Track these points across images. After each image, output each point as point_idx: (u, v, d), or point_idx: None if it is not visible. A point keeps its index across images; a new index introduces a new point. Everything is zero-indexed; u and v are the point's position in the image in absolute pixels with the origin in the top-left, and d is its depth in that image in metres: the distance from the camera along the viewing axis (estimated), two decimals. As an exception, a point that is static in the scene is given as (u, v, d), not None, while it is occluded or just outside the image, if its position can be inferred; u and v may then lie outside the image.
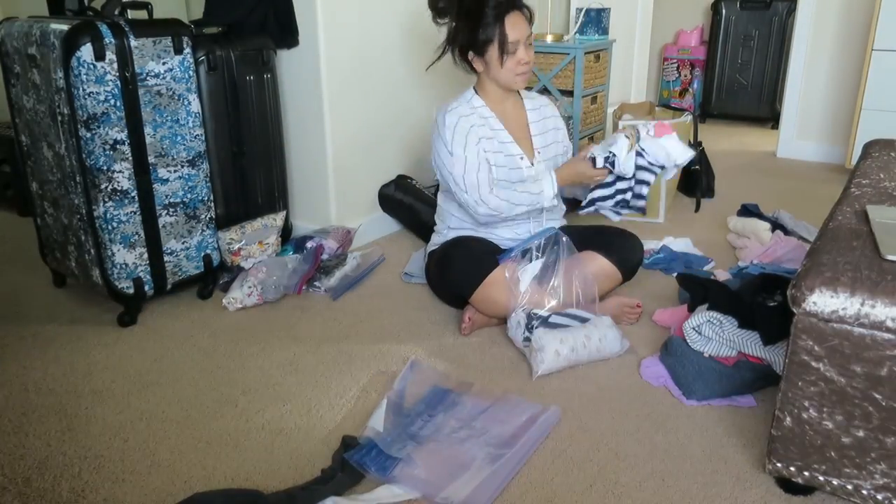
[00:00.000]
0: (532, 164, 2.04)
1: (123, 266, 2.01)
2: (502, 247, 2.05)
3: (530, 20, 1.95)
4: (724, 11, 4.89)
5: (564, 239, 1.97)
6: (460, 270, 1.96)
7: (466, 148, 1.94)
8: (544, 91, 3.29)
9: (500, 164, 2.00)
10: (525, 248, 1.97)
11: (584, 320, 1.89)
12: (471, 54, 1.96)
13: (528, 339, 1.83)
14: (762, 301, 1.75)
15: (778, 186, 3.46)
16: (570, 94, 3.35)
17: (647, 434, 1.56)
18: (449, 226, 2.12)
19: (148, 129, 1.97)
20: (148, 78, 1.93)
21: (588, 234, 2.11)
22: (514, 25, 1.88)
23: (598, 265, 2.04)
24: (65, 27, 1.82)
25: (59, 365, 1.86)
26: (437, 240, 2.16)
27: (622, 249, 2.08)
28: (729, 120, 5.14)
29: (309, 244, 2.40)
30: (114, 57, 1.86)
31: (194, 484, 1.41)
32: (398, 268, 2.49)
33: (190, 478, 1.43)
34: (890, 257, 1.26)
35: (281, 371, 1.83)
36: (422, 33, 2.82)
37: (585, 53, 3.30)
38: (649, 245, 2.49)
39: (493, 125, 2.01)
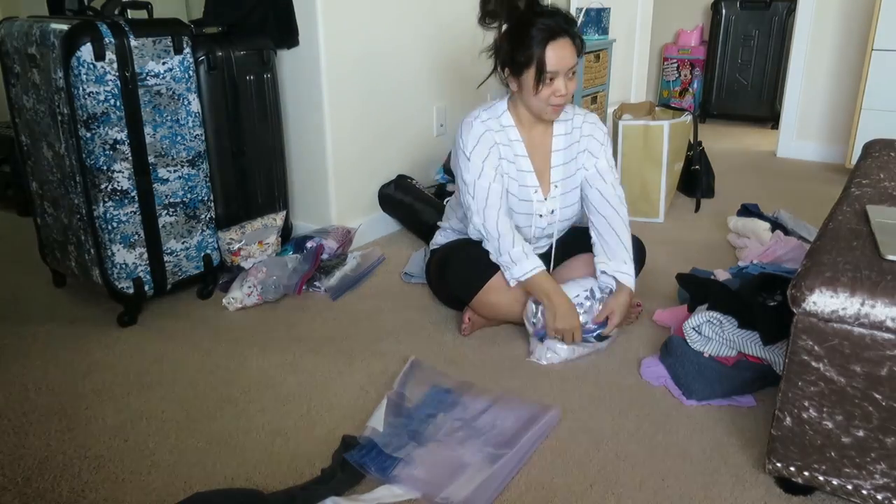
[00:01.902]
0: (545, 199, 1.94)
1: (123, 266, 2.01)
2: None
3: (579, 52, 1.78)
4: (724, 11, 4.89)
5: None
6: (459, 275, 1.96)
7: (486, 160, 1.84)
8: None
9: (513, 192, 1.91)
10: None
11: (602, 338, 1.87)
12: (507, 71, 1.80)
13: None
14: (762, 301, 1.76)
15: (778, 186, 3.46)
16: (570, 93, 3.35)
17: (647, 434, 1.56)
18: (453, 226, 2.12)
19: (148, 129, 1.96)
20: (148, 78, 1.93)
21: (591, 236, 2.10)
22: (557, 53, 1.71)
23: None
24: (65, 27, 1.82)
25: (59, 365, 1.86)
26: (440, 239, 2.15)
27: None
28: (729, 120, 5.14)
29: (309, 244, 2.40)
30: (114, 57, 1.86)
31: (194, 484, 1.41)
32: (398, 268, 2.49)
33: (190, 478, 1.43)
34: (890, 257, 1.26)
35: (281, 371, 1.83)
36: (422, 33, 2.82)
37: (586, 53, 3.30)
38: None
39: (516, 150, 1.89)
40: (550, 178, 1.94)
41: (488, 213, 1.85)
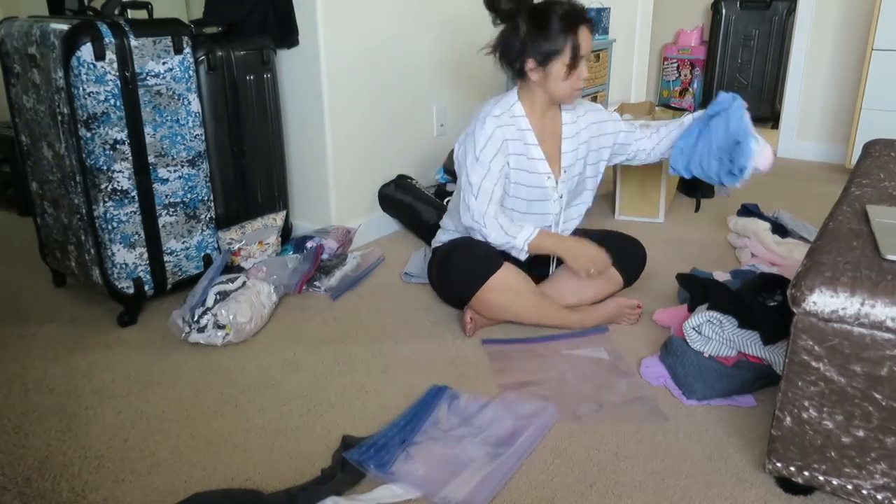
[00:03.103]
0: (557, 184, 1.99)
1: (123, 266, 2.01)
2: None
3: (593, 35, 1.90)
4: (724, 11, 4.89)
5: None
6: (460, 274, 1.96)
7: (494, 160, 1.88)
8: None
9: (524, 181, 1.95)
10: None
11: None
12: (531, 63, 1.85)
13: None
14: (762, 301, 1.76)
15: (778, 186, 3.46)
16: (570, 93, 3.35)
17: (647, 434, 1.56)
18: (456, 228, 2.11)
19: (148, 129, 1.97)
20: (148, 78, 1.93)
21: (592, 238, 2.10)
22: (585, 39, 1.82)
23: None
24: (65, 27, 1.82)
25: (59, 365, 1.86)
26: (442, 237, 2.15)
27: (625, 254, 2.07)
28: (729, 120, 5.12)
29: (309, 244, 2.40)
30: (114, 57, 1.86)
31: (194, 484, 1.41)
32: (398, 268, 2.49)
33: (190, 478, 1.43)
34: (890, 257, 1.26)
35: (281, 371, 1.83)
36: (422, 32, 2.82)
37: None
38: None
39: (527, 139, 1.94)
40: (561, 163, 2.00)
41: (488, 211, 1.89)
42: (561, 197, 2.02)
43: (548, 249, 1.96)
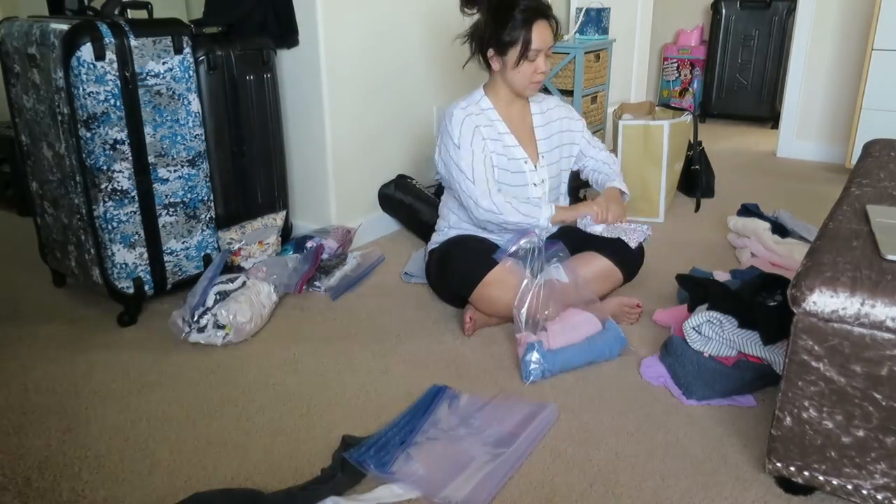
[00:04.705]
0: (535, 169, 2.06)
1: (123, 266, 2.01)
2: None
3: (555, 32, 1.96)
4: (724, 11, 4.89)
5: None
6: (459, 270, 1.97)
7: (473, 142, 1.96)
8: (545, 91, 3.28)
9: (504, 166, 2.01)
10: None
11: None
12: (491, 52, 1.96)
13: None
14: (762, 301, 1.76)
15: (778, 186, 3.46)
16: (570, 93, 3.35)
17: (647, 434, 1.56)
18: (450, 224, 2.13)
19: (148, 129, 1.97)
20: (148, 78, 1.93)
21: (590, 234, 2.10)
22: (540, 33, 1.90)
23: (599, 265, 2.03)
24: (65, 27, 1.82)
25: (59, 365, 1.86)
26: (437, 238, 2.16)
27: (624, 250, 2.08)
28: (729, 120, 5.13)
29: (309, 244, 2.40)
30: (114, 57, 1.86)
31: (194, 484, 1.41)
32: (398, 268, 2.49)
33: (190, 478, 1.43)
34: (890, 257, 1.26)
35: (281, 371, 1.83)
36: (422, 33, 2.82)
37: (585, 53, 3.30)
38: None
39: (498, 129, 2.03)
40: (537, 149, 2.08)
41: (492, 189, 1.96)
42: (543, 181, 2.08)
43: (569, 218, 2.04)
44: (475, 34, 1.99)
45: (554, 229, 2.08)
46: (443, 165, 2.03)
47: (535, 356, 1.76)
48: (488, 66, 2.01)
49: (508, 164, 2.02)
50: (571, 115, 2.19)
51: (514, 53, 1.91)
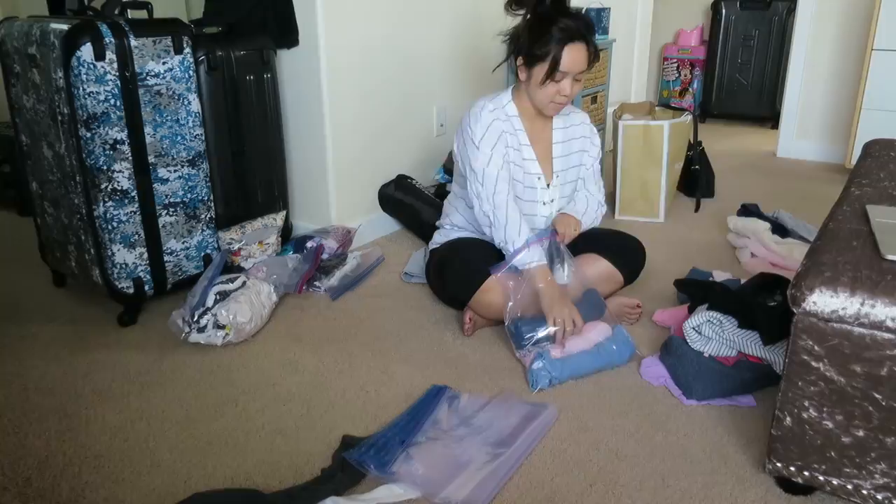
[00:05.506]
0: (548, 186, 2.02)
1: (123, 266, 2.01)
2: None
3: (591, 59, 1.86)
4: (724, 11, 4.89)
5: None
6: (457, 277, 1.96)
7: (496, 147, 1.91)
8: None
9: (518, 178, 1.98)
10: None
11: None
12: (520, 60, 1.89)
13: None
14: (762, 301, 1.76)
15: (778, 186, 3.46)
16: (570, 93, 3.35)
17: (647, 434, 1.56)
18: (454, 224, 2.12)
19: (148, 129, 1.97)
20: (148, 78, 1.93)
21: (591, 236, 2.10)
22: (573, 56, 1.81)
23: (600, 268, 2.03)
24: (65, 27, 1.82)
25: (59, 365, 1.86)
26: (439, 238, 2.15)
27: (625, 252, 2.08)
28: (729, 120, 5.14)
29: (309, 244, 2.40)
30: (114, 57, 1.86)
31: (194, 484, 1.41)
32: (398, 268, 2.49)
33: (190, 478, 1.43)
34: (890, 257, 1.26)
35: (281, 371, 1.83)
36: (422, 32, 2.82)
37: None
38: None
39: (521, 139, 1.98)
40: (553, 167, 2.03)
41: (497, 200, 1.91)
42: (553, 201, 2.03)
43: (535, 281, 1.86)
44: (514, 36, 1.91)
45: (546, 232, 2.00)
46: (459, 158, 2.00)
47: (541, 364, 1.74)
48: (517, 74, 1.95)
49: (523, 178, 1.98)
50: (593, 139, 2.11)
51: (541, 69, 1.83)
